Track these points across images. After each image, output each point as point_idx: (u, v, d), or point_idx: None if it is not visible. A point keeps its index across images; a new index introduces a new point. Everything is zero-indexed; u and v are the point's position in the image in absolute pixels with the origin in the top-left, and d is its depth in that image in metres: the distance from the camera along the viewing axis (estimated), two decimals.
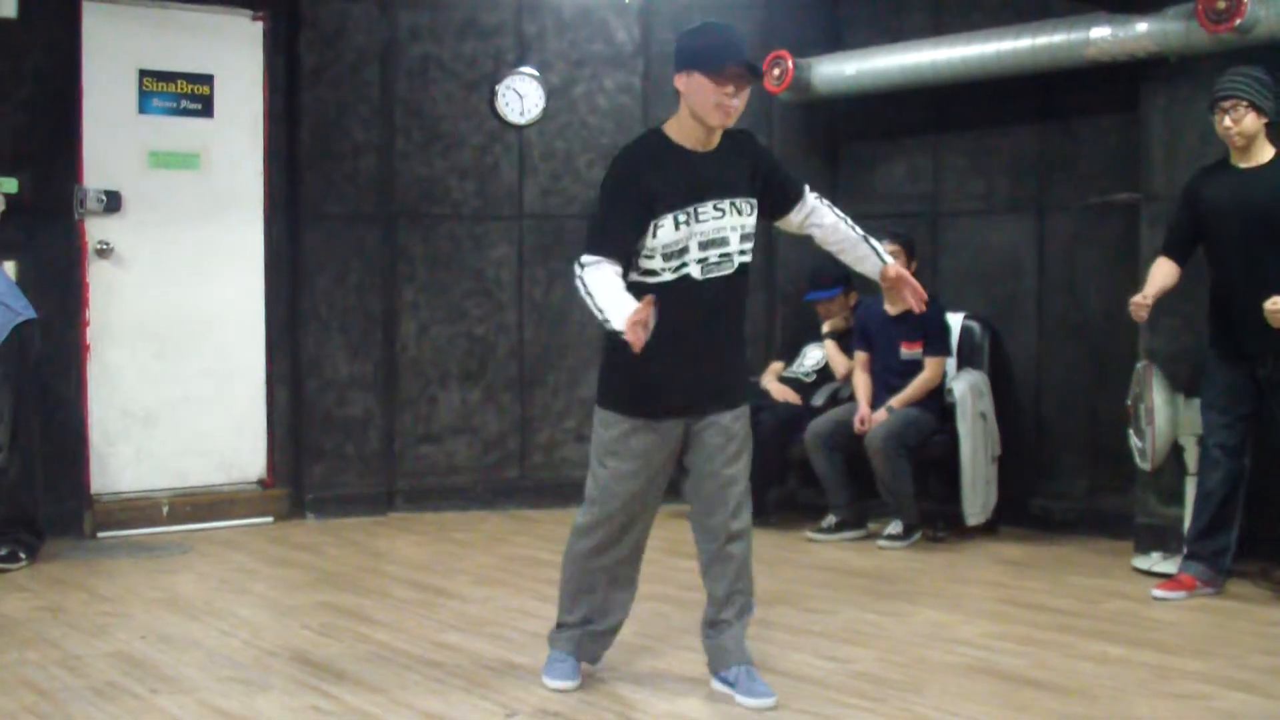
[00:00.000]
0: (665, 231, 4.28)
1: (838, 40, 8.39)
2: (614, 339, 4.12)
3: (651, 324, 3.98)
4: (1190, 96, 6.54)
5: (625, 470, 4.47)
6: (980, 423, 7.26)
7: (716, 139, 4.37)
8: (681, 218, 4.29)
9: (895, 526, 7.21)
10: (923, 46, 7.59)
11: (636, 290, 4.22)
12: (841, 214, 4.67)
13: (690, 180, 4.30)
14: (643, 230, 4.28)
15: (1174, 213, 6.20)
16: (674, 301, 4.21)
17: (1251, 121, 5.83)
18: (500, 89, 8.24)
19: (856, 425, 7.28)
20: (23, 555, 6.52)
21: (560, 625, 4.71)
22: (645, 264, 4.32)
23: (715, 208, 4.32)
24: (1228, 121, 5.85)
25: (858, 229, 4.64)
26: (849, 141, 8.60)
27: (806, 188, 4.64)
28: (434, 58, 8.21)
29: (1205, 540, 6.01)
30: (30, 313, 6.60)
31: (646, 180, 4.29)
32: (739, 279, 4.43)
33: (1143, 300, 6.02)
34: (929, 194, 8.19)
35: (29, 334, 6.60)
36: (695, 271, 4.32)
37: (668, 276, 4.31)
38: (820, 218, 4.62)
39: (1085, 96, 7.33)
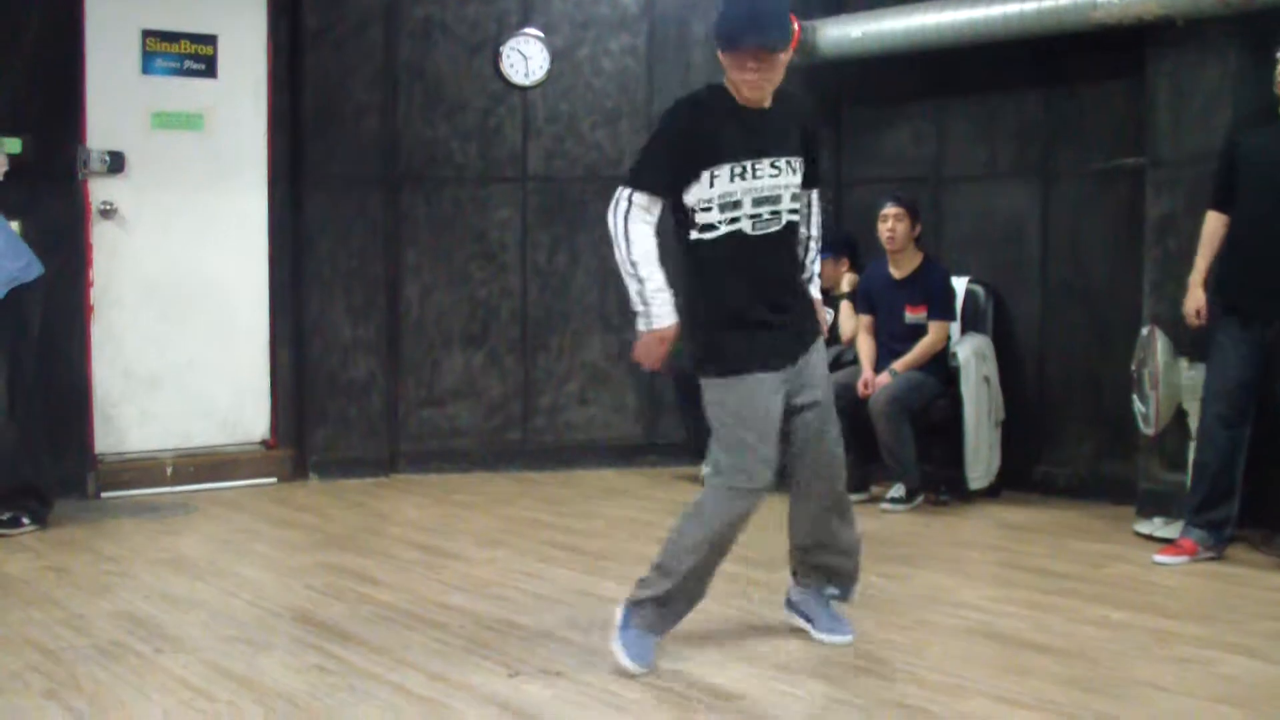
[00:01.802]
0: (721, 182, 4.33)
1: (841, 3, 8.35)
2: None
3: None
4: (1197, 61, 6.52)
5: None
6: (984, 387, 7.26)
7: (769, 99, 4.42)
8: (738, 170, 4.34)
9: (898, 490, 7.22)
10: (928, 10, 7.55)
11: (694, 249, 4.38)
12: (817, 232, 4.74)
13: (748, 136, 4.36)
14: (689, 175, 4.33)
15: (1217, 165, 6.14)
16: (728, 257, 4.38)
17: None
18: (504, 51, 8.22)
19: (860, 389, 7.27)
20: (25, 520, 6.49)
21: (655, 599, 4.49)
22: (702, 218, 4.37)
23: (773, 165, 4.37)
24: None
25: (813, 252, 4.73)
26: (853, 105, 8.57)
27: (816, 192, 4.73)
28: (437, 20, 8.19)
29: (1204, 512, 6.01)
30: (31, 274, 6.48)
31: (704, 127, 4.36)
32: (789, 235, 4.49)
33: (1196, 314, 6.07)
34: (933, 158, 8.16)
35: (29, 296, 6.48)
36: (747, 226, 4.37)
37: (723, 230, 4.37)
38: (808, 224, 4.68)
39: (1091, 61, 7.30)
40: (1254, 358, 5.93)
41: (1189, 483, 6.23)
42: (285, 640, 4.77)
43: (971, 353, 7.25)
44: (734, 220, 4.36)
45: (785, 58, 4.37)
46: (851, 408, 7.32)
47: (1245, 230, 5.96)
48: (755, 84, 4.32)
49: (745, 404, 4.41)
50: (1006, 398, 7.42)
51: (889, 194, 7.46)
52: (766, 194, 4.37)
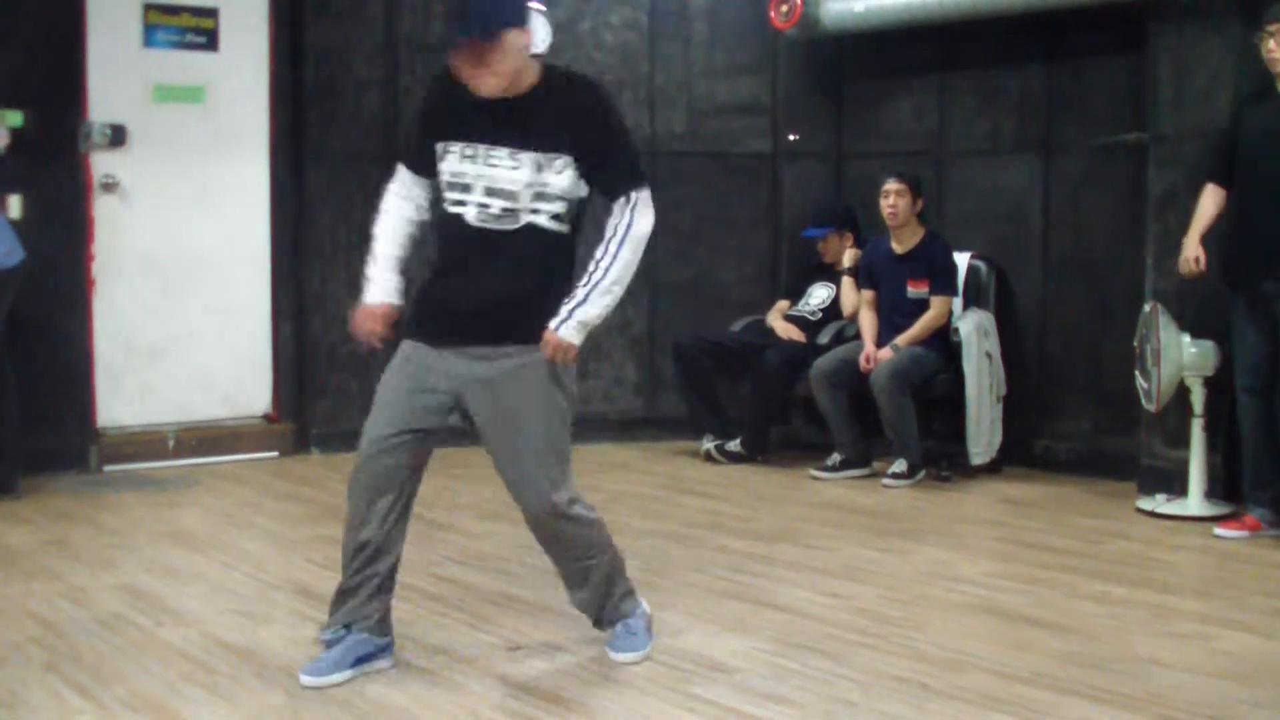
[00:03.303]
0: (452, 161, 4.04)
1: None
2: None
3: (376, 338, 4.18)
4: (1199, 37, 6.51)
5: None
6: (986, 362, 7.26)
7: (525, 83, 4.02)
8: (451, 149, 4.04)
9: (900, 465, 7.22)
10: None
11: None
12: (612, 250, 4.01)
13: (488, 119, 4.00)
14: (434, 148, 4.08)
15: (1217, 141, 6.15)
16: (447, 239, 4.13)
17: None
18: None
19: (862, 364, 7.28)
20: None
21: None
22: (444, 194, 4.11)
23: (512, 157, 3.98)
24: (1271, 45, 5.79)
25: (601, 274, 3.99)
26: (855, 80, 8.55)
27: (629, 198, 4.05)
28: None
29: (1258, 490, 6.02)
30: (12, 260, 6.45)
31: (439, 105, 4.14)
32: (525, 239, 4.03)
33: (1194, 261, 6.04)
34: (935, 133, 8.15)
35: (6, 283, 6.45)
36: (471, 214, 4.03)
37: (448, 210, 4.09)
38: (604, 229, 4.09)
39: (1093, 36, 7.28)
40: (1271, 329, 5.92)
41: (1193, 456, 6.23)
42: (285, 613, 4.78)
43: (973, 328, 7.24)
44: (459, 204, 4.03)
45: (513, 43, 3.99)
46: (853, 382, 7.34)
47: (1248, 205, 5.97)
48: (480, 83, 3.93)
49: (389, 369, 4.23)
50: (1008, 373, 7.41)
51: (890, 169, 7.46)
52: (497, 185, 3.98)
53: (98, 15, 7.35)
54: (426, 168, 4.15)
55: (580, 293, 3.98)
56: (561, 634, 4.52)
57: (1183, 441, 6.46)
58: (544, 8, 8.38)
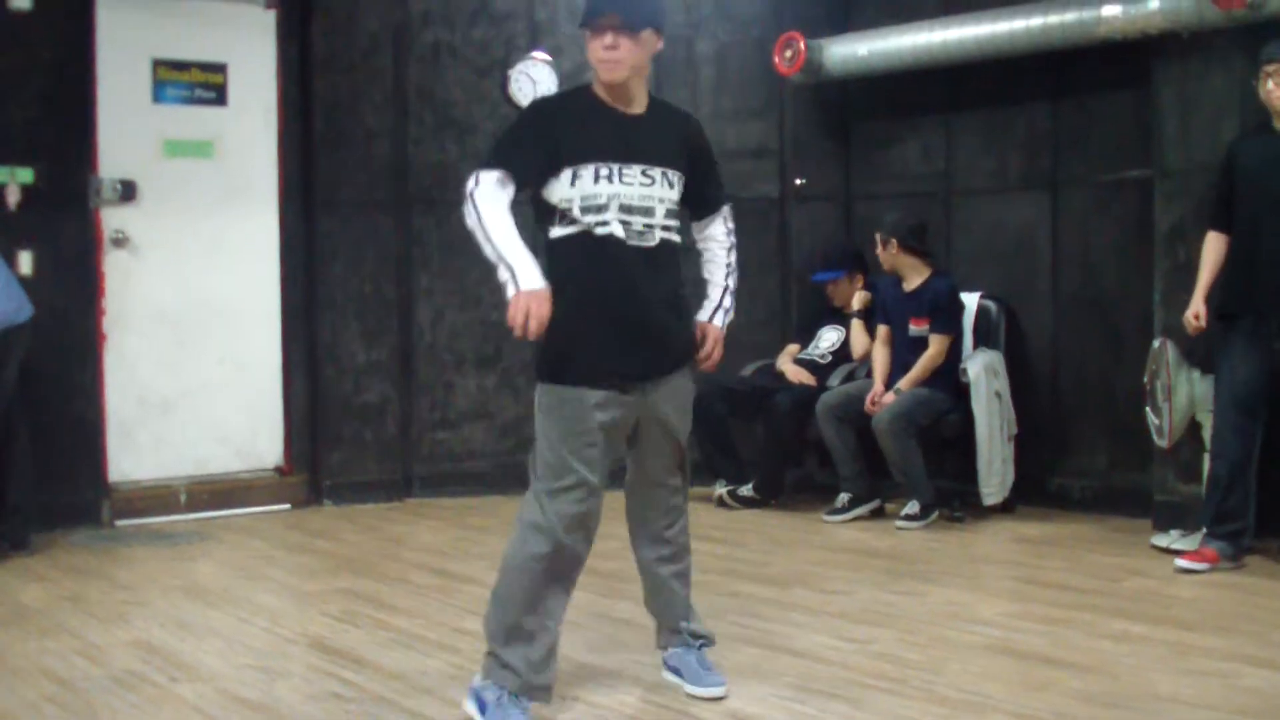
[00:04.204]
0: (584, 182, 4.06)
1: (848, 21, 8.37)
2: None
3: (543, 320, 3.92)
4: (1203, 72, 6.53)
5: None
6: (996, 402, 7.25)
7: (641, 101, 4.17)
8: (584, 170, 4.06)
9: (912, 507, 7.20)
10: (934, 26, 7.57)
11: (551, 248, 4.12)
12: (729, 259, 4.45)
13: (616, 137, 4.09)
14: (547, 167, 4.06)
15: (1216, 182, 6.17)
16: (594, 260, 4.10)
17: None
18: (513, 74, 8.21)
19: (867, 405, 7.28)
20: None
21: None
22: (563, 217, 4.10)
23: (645, 174, 4.10)
24: (1271, 85, 5.82)
25: (724, 276, 4.43)
26: (862, 121, 8.58)
27: (725, 210, 4.45)
28: (446, 43, 8.21)
29: (1220, 524, 6.01)
30: (21, 316, 6.49)
31: (566, 121, 4.12)
32: (663, 252, 4.16)
33: (1195, 318, 6.06)
34: (942, 173, 8.17)
35: (16, 337, 6.47)
36: (618, 231, 4.07)
37: (580, 231, 4.09)
38: (709, 242, 4.45)
39: (1098, 73, 7.30)
40: (1262, 365, 5.93)
41: (1204, 493, 6.22)
42: (301, 667, 4.77)
43: (982, 368, 7.24)
44: (601, 224, 4.06)
45: (644, 40, 4.06)
46: (859, 418, 7.34)
47: (1247, 238, 5.98)
48: (610, 64, 4.03)
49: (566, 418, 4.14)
50: (1020, 411, 7.40)
51: (880, 221, 7.53)
52: (637, 203, 4.08)
53: (107, 71, 7.40)
54: (532, 178, 4.10)
55: (716, 295, 4.41)
56: (578, 684, 4.50)
57: (1196, 476, 6.44)
58: (550, 58, 8.44)
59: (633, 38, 4.02)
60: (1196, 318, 6.10)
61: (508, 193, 4.03)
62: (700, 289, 4.43)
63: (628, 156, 4.09)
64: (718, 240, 4.44)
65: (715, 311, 4.40)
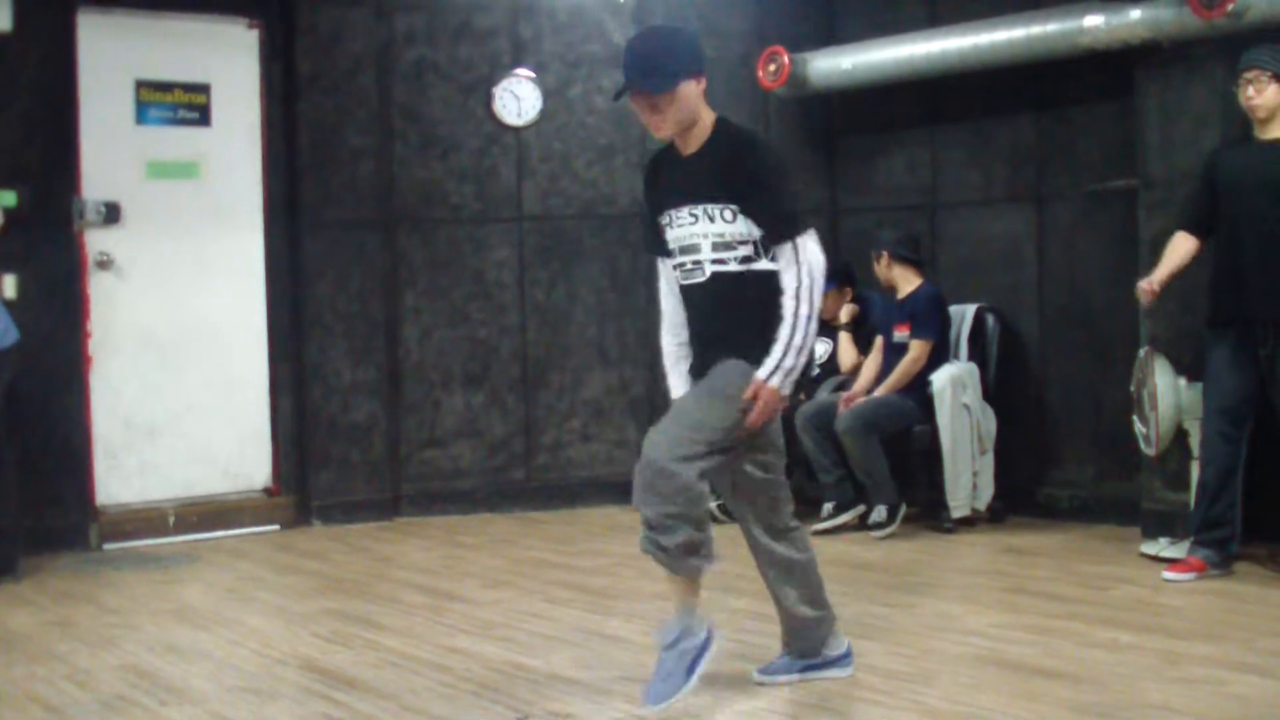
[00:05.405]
0: (669, 231, 4.35)
1: (832, 34, 8.39)
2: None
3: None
4: (1185, 82, 6.55)
5: None
6: (964, 414, 7.23)
7: (694, 141, 4.29)
8: (665, 220, 4.35)
9: (879, 513, 7.20)
10: (917, 39, 7.60)
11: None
12: (797, 308, 4.15)
13: (673, 183, 4.33)
14: (656, 227, 4.39)
15: (1193, 186, 6.19)
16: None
17: (1273, 93, 5.82)
18: (497, 91, 8.24)
19: (840, 404, 7.29)
20: None
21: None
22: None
23: (690, 213, 4.26)
24: (1250, 91, 5.84)
25: (788, 332, 4.15)
26: (846, 135, 8.60)
27: (797, 245, 4.18)
28: (430, 62, 8.22)
29: (1207, 530, 6.02)
30: (6, 341, 6.48)
31: (652, 179, 4.45)
32: (715, 287, 4.26)
33: (1149, 286, 6.04)
34: (927, 186, 8.18)
35: (1, 363, 6.45)
36: (680, 276, 4.37)
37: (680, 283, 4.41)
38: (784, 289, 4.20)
39: (1081, 84, 7.33)
40: (1250, 373, 5.94)
41: (1192, 501, 6.23)
42: (291, 689, 4.75)
43: (948, 380, 7.22)
44: (679, 267, 4.34)
45: (681, 94, 4.18)
46: (829, 427, 7.35)
47: (1231, 247, 5.99)
48: (655, 125, 4.26)
49: None
50: (1008, 421, 7.41)
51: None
52: (686, 242, 4.28)
53: (90, 93, 7.39)
54: (664, 248, 4.39)
55: (776, 353, 4.15)
56: (570, 702, 4.49)
57: (1183, 485, 6.45)
58: (534, 75, 8.47)
59: (669, 96, 4.17)
60: (1149, 284, 6.08)
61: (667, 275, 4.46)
62: None
63: (680, 199, 4.27)
64: (787, 288, 4.15)
65: (773, 373, 4.15)
